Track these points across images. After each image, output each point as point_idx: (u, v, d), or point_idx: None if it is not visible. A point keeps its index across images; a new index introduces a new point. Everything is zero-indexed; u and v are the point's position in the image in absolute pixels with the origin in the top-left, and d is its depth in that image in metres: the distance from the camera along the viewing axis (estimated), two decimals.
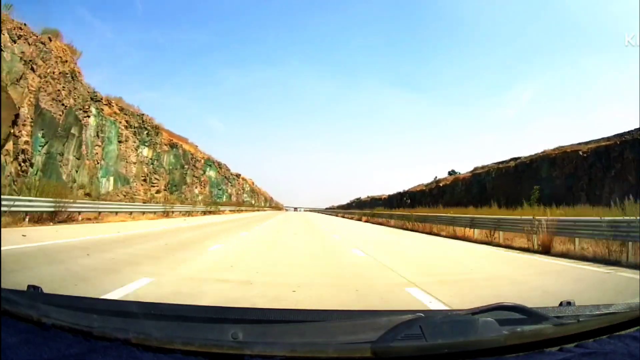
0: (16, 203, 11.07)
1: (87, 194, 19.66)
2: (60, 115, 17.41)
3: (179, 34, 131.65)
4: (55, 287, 3.34)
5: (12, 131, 14.33)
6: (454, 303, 3.60)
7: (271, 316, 1.08)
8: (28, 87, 15.21)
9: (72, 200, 13.72)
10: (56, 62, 17.49)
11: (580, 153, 20.89)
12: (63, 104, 17.65)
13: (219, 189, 45.99)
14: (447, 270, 6.52)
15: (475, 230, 13.06)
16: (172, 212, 23.72)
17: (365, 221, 30.75)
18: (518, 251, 9.55)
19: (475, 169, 32.18)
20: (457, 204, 26.15)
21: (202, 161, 39.72)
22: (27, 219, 11.27)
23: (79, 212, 14.06)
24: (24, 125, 14.98)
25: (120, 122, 24.18)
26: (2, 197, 10.85)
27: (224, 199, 46.53)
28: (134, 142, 25.67)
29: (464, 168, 39.43)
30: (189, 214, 25.87)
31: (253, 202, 72.10)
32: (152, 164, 27.82)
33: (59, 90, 17.42)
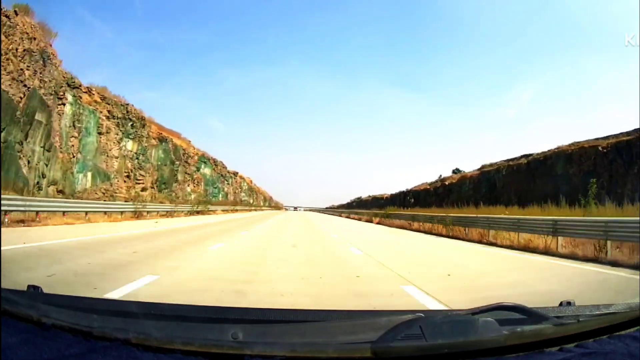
0: None
1: (60, 191, 17.70)
2: (20, 97, 15.18)
3: (179, 34, 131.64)
4: None
5: None
6: None
7: (271, 316, 1.08)
8: None
9: None
10: (21, 38, 15.62)
11: (600, 148, 19.52)
12: (25, 85, 15.45)
13: (215, 188, 43.88)
14: None
15: (559, 239, 9.17)
16: (146, 212, 19.93)
17: (377, 223, 26.57)
18: None
19: (483, 166, 30.79)
20: (465, 203, 25.06)
21: (196, 157, 37.62)
22: None
23: (6, 212, 10.55)
24: None
25: (101, 112, 21.91)
26: None
27: (220, 198, 44.46)
28: (117, 134, 23.16)
29: (465, 168, 38.55)
30: (169, 214, 22.45)
31: (251, 201, 70.01)
32: (137, 158, 25.20)
33: (21, 69, 15.31)
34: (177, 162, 32.14)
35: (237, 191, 57.14)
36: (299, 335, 0.95)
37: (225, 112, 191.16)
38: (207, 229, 14.09)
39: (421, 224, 18.99)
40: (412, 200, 40.41)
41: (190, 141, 37.65)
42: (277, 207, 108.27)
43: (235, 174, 56.83)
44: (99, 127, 21.50)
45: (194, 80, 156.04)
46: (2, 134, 14.00)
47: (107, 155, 22.04)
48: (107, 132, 22.28)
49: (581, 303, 1.21)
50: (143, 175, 25.60)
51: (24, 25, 16.01)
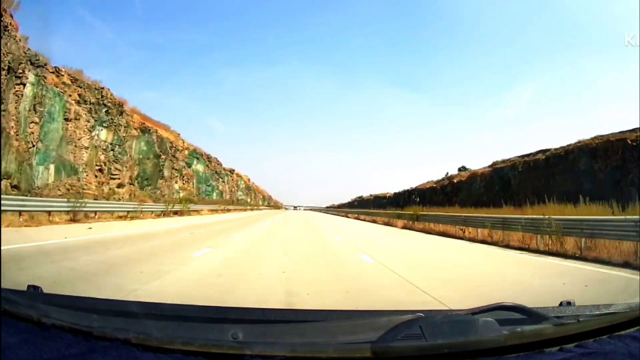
0: None
1: (15, 187, 14.85)
2: None
3: (179, 34, 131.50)
4: None
5: None
6: None
7: (271, 316, 1.07)
8: None
9: None
10: None
11: (629, 142, 17.94)
12: None
13: (208, 185, 40.69)
14: None
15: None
16: (94, 213, 15.07)
17: (403, 227, 20.63)
18: None
19: (495, 163, 28.98)
20: (477, 202, 23.35)
21: (186, 152, 34.45)
22: None
23: None
24: None
25: (70, 96, 18.89)
26: None
27: (215, 197, 41.70)
28: (88, 121, 19.96)
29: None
30: (129, 216, 17.34)
31: (249, 200, 66.86)
32: (113, 150, 22.01)
33: None
34: (163, 157, 28.68)
35: (233, 190, 54.46)
36: (299, 335, 0.95)
37: (225, 112, 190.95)
38: (161, 240, 9.53)
39: (465, 229, 13.94)
40: (418, 199, 38.57)
41: (179, 134, 34.36)
42: (277, 206, 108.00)
43: (232, 171, 54.15)
44: (65, 112, 18.20)
45: (194, 80, 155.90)
46: None
47: (75, 145, 18.74)
48: (76, 119, 18.86)
49: (581, 303, 1.21)
50: (119, 170, 22.39)
51: None
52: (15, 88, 15.70)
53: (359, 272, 5.92)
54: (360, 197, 76.25)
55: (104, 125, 21.44)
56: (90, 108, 20.37)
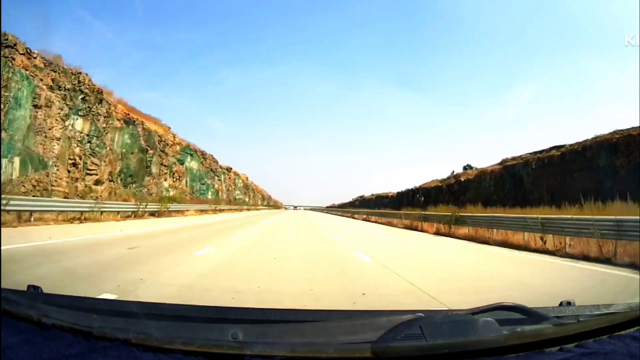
0: None
1: None
2: None
3: (179, 34, 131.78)
4: None
5: None
6: None
7: (271, 316, 1.07)
8: None
9: None
10: None
11: None
12: None
13: (202, 184, 38.50)
14: None
15: None
16: (29, 213, 11.97)
17: (435, 233, 16.09)
18: None
19: (505, 160, 27.87)
20: (486, 201, 22.10)
21: (177, 148, 32.07)
22: None
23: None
24: None
25: (42, 80, 16.79)
26: None
27: (209, 196, 39.66)
28: (62, 108, 17.53)
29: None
30: (83, 217, 14.30)
31: (247, 199, 64.41)
32: (90, 142, 19.47)
33: None
34: (151, 151, 26.37)
35: (230, 188, 52.32)
36: (299, 335, 0.95)
37: (225, 112, 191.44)
38: (72, 261, 5.88)
39: (544, 237, 9.94)
40: (422, 198, 37.48)
41: (169, 128, 32.00)
42: (276, 206, 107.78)
43: (229, 169, 51.78)
44: (35, 97, 16.13)
45: (194, 80, 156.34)
46: None
47: (45, 136, 16.46)
48: (48, 106, 16.64)
49: (581, 303, 1.21)
50: (97, 165, 19.96)
51: None
52: None
53: None
54: (361, 197, 75.47)
55: (79, 113, 18.88)
56: (65, 94, 17.93)
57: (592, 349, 0.85)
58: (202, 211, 29.60)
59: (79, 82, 19.13)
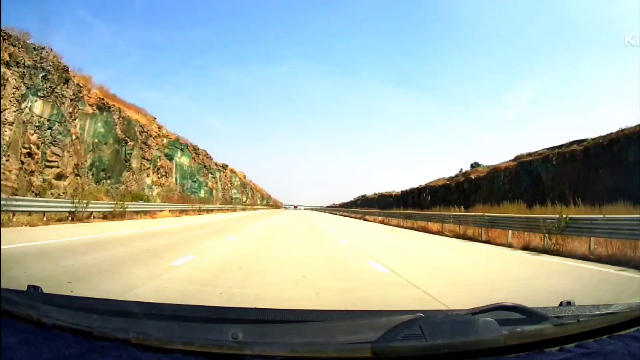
0: None
1: None
2: None
3: (179, 34, 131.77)
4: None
5: None
6: None
7: (271, 316, 1.07)
8: None
9: None
10: None
11: None
12: None
13: (194, 181, 35.46)
14: None
15: None
16: None
17: (523, 247, 9.64)
18: None
19: (520, 156, 26.56)
20: (501, 200, 20.41)
21: (164, 141, 28.72)
22: None
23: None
24: None
25: None
26: None
27: (202, 194, 36.63)
28: (18, 88, 14.89)
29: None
30: None
31: (244, 199, 60.44)
32: (50, 128, 16.28)
33: None
34: (130, 143, 23.15)
35: (226, 187, 48.95)
36: (299, 335, 0.95)
37: (225, 111, 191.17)
38: None
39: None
40: (429, 197, 36.09)
41: (155, 118, 28.36)
42: (276, 205, 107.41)
43: (225, 166, 48.41)
44: None
45: (194, 80, 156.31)
46: None
47: None
48: (2, 85, 14.36)
49: (582, 303, 1.21)
50: (59, 155, 16.55)
51: None
52: None
53: None
54: (363, 196, 73.86)
55: (39, 94, 15.88)
56: (24, 72, 15.27)
57: (592, 349, 0.85)
58: (183, 212, 24.83)
59: (41, 58, 16.03)
